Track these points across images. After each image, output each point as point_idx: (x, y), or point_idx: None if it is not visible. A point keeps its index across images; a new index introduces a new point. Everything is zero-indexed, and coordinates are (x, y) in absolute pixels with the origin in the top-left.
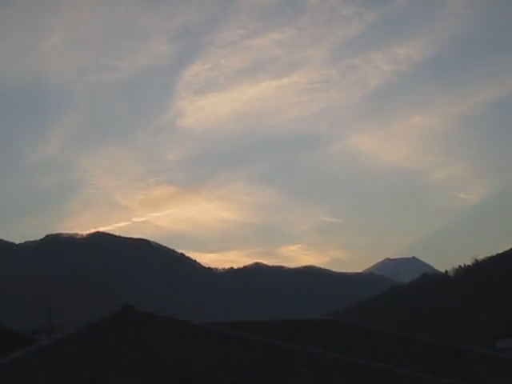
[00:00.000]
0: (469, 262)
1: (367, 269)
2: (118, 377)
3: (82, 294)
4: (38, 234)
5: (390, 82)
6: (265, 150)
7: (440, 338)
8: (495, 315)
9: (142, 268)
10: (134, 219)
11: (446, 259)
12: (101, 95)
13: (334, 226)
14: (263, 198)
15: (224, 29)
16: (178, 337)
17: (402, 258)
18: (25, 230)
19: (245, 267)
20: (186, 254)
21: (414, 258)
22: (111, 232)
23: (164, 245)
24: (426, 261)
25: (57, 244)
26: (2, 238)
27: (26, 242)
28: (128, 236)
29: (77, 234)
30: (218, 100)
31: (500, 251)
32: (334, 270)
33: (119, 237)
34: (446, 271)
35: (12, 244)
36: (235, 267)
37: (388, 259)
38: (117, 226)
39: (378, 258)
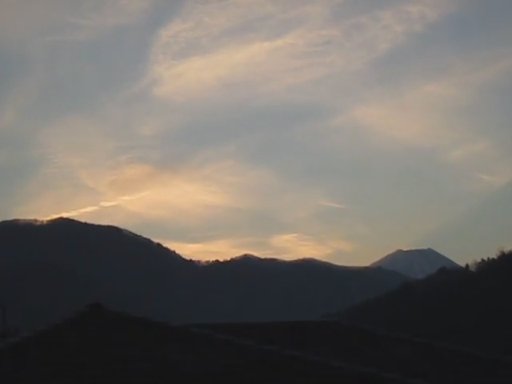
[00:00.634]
0: (493, 255)
1: (375, 262)
2: None
3: (41, 290)
4: None
5: (401, 45)
6: (256, 124)
7: (460, 342)
8: None
9: (111, 261)
10: (103, 203)
11: (467, 251)
12: (64, 58)
13: (337, 213)
14: (254, 178)
15: None
16: (154, 341)
17: (415, 250)
18: None
19: (232, 260)
20: (164, 245)
21: (429, 249)
22: (76, 218)
23: (138, 233)
24: (444, 253)
25: (12, 232)
26: None
27: None
28: (96, 223)
29: (35, 221)
30: (201, 65)
31: None
32: (337, 263)
33: (85, 224)
34: (467, 265)
35: None
36: (221, 260)
37: (400, 251)
38: (82, 212)
39: (388, 249)
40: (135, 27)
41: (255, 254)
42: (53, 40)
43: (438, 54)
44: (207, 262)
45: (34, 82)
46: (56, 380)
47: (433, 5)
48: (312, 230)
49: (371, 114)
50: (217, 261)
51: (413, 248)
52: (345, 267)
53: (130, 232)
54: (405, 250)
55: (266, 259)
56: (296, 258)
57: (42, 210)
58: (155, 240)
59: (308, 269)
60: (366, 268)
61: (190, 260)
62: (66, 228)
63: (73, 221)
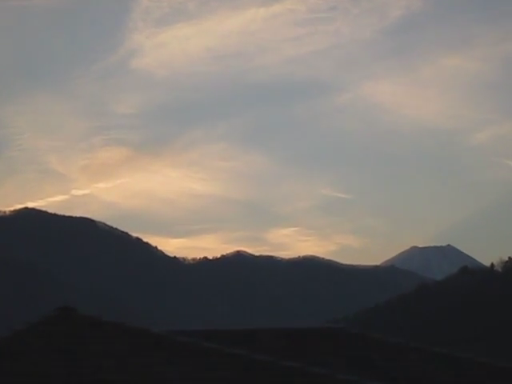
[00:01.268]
0: None
1: (387, 261)
2: None
3: (4, 291)
4: None
5: (416, 12)
6: (250, 101)
7: (486, 352)
8: None
9: (84, 257)
10: (74, 192)
11: (492, 249)
12: (29, 25)
13: (343, 203)
14: (247, 164)
15: None
16: (133, 350)
17: (433, 247)
18: None
19: (223, 257)
20: (144, 239)
21: (449, 246)
22: (43, 208)
23: (114, 226)
24: (466, 250)
25: None
26: None
27: None
28: (66, 214)
29: None
30: (187, 33)
31: None
32: (343, 261)
33: (54, 215)
34: (492, 264)
35: None
36: (210, 257)
37: (415, 248)
38: (51, 201)
39: (402, 246)
40: None
41: (249, 250)
42: (16, 5)
43: (459, 22)
44: (194, 259)
45: None
46: None
47: None
48: (314, 224)
49: (382, 90)
50: (205, 258)
51: (430, 244)
52: (352, 266)
53: (106, 225)
54: (421, 246)
55: (261, 257)
56: (296, 256)
57: (5, 200)
58: (134, 234)
59: (309, 268)
60: (376, 267)
61: (174, 257)
62: (31, 220)
63: (40, 211)
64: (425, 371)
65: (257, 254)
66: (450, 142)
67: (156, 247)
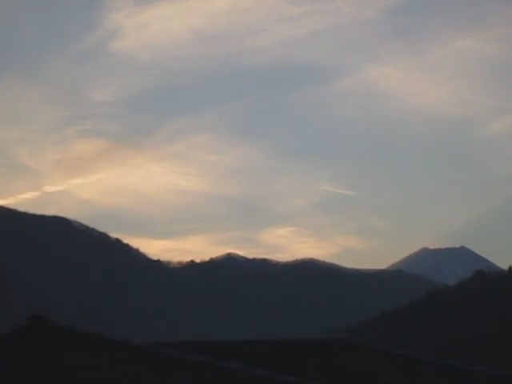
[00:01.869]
0: None
1: (394, 264)
2: None
3: None
4: None
5: None
6: (241, 87)
7: (502, 364)
8: None
9: (58, 260)
10: (47, 188)
11: (510, 250)
12: None
13: (345, 201)
14: (239, 157)
15: None
16: (111, 363)
17: (445, 249)
18: None
19: (212, 260)
20: (124, 241)
21: (462, 248)
22: (13, 207)
23: (91, 226)
24: (481, 253)
25: None
26: None
27: None
28: (38, 213)
29: None
30: (171, 12)
31: None
32: (345, 265)
33: (25, 213)
34: (510, 268)
35: None
36: (197, 260)
37: (425, 250)
38: (21, 198)
39: (411, 248)
40: None
41: (241, 253)
42: None
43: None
44: (180, 263)
45: None
46: None
47: None
48: (313, 223)
49: (387, 75)
50: (192, 261)
51: (442, 246)
52: (355, 270)
53: (82, 224)
54: (431, 248)
55: (254, 260)
56: (293, 259)
57: None
58: (113, 235)
59: (308, 272)
60: (382, 271)
61: (158, 260)
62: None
63: (9, 209)
64: None
65: (250, 256)
66: (463, 133)
67: (137, 249)
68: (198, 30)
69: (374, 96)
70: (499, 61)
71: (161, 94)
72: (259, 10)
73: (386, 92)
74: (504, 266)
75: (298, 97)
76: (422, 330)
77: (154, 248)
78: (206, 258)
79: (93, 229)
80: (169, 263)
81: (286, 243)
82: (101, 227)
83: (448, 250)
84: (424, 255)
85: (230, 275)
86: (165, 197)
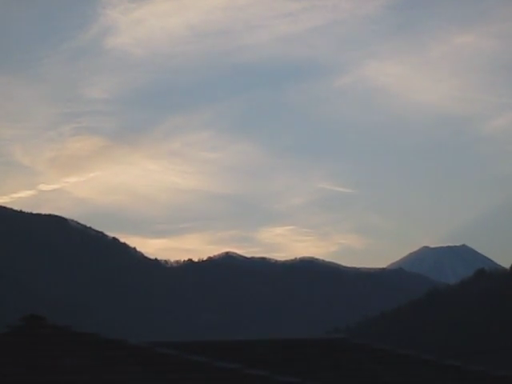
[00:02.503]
0: None
1: (394, 263)
2: None
3: None
4: None
5: None
6: (238, 84)
7: (505, 364)
8: None
9: (53, 260)
10: (42, 187)
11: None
12: None
13: (344, 199)
14: (236, 155)
15: None
16: (108, 363)
17: (446, 247)
18: None
19: (210, 259)
20: (121, 240)
21: (463, 246)
22: (8, 205)
23: (87, 225)
24: (482, 251)
25: None
26: None
27: None
28: (33, 211)
29: None
30: (167, 9)
31: None
32: (344, 264)
33: (20, 212)
34: None
35: None
36: (195, 259)
37: (426, 248)
38: (16, 197)
39: (411, 246)
40: None
41: (239, 251)
42: None
43: None
44: (177, 262)
45: None
46: None
47: None
48: (312, 222)
49: (387, 72)
50: (189, 260)
51: (443, 244)
52: (355, 269)
53: (78, 223)
54: (432, 246)
55: (252, 259)
56: (291, 258)
57: None
58: (110, 234)
59: (307, 271)
60: (382, 270)
61: (155, 259)
62: None
63: (4, 208)
64: None
65: (248, 255)
66: (464, 130)
67: (134, 248)
68: (194, 27)
69: (374, 92)
70: (500, 57)
71: (157, 91)
72: (256, 6)
73: (386, 88)
74: (506, 265)
75: (296, 94)
76: (422, 329)
77: (152, 247)
78: (204, 257)
79: (89, 228)
80: (166, 262)
81: (284, 242)
82: (97, 226)
83: (449, 248)
84: (425, 254)
85: (228, 274)
86: (162, 195)
